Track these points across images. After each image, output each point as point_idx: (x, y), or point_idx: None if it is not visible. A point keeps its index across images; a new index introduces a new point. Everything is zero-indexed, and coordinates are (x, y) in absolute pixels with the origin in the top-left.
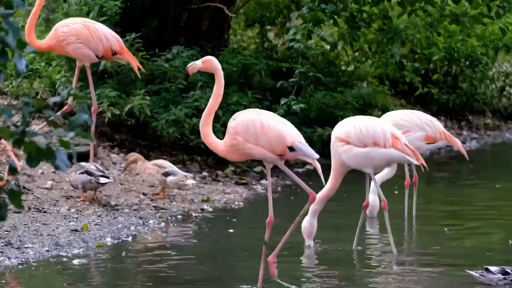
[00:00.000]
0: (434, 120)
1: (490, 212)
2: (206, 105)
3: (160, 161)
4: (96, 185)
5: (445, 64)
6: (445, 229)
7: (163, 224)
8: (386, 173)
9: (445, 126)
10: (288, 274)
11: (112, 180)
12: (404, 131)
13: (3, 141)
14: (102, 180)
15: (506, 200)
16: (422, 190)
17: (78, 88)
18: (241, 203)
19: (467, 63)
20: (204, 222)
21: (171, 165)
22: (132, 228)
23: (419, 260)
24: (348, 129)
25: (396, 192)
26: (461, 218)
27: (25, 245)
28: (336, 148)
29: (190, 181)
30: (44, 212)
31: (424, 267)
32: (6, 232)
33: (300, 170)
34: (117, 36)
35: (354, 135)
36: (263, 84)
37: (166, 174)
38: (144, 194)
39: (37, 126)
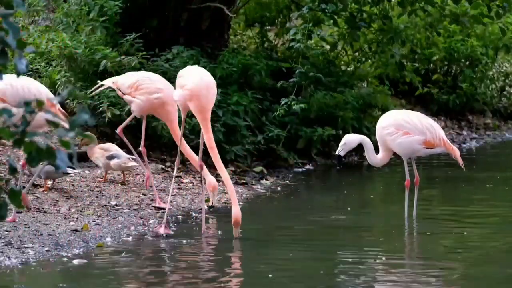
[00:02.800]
0: (436, 125)
1: (491, 212)
2: None
3: (107, 145)
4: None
5: (445, 64)
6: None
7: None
8: (377, 158)
9: (445, 126)
10: (287, 273)
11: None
12: (404, 132)
13: None
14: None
15: (506, 200)
16: (422, 190)
17: (78, 88)
18: (241, 203)
19: (467, 63)
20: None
21: (117, 148)
22: (132, 228)
23: (419, 260)
24: (5, 87)
25: (396, 192)
26: (462, 218)
27: (25, 245)
28: None
29: (132, 163)
30: (44, 212)
31: (424, 267)
32: (6, 232)
33: (300, 170)
34: None
35: (10, 94)
36: (263, 84)
37: (110, 157)
38: (144, 194)
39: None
